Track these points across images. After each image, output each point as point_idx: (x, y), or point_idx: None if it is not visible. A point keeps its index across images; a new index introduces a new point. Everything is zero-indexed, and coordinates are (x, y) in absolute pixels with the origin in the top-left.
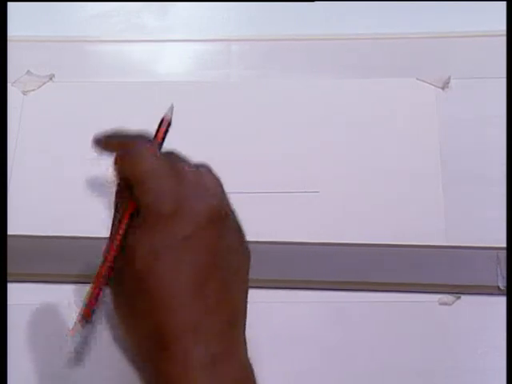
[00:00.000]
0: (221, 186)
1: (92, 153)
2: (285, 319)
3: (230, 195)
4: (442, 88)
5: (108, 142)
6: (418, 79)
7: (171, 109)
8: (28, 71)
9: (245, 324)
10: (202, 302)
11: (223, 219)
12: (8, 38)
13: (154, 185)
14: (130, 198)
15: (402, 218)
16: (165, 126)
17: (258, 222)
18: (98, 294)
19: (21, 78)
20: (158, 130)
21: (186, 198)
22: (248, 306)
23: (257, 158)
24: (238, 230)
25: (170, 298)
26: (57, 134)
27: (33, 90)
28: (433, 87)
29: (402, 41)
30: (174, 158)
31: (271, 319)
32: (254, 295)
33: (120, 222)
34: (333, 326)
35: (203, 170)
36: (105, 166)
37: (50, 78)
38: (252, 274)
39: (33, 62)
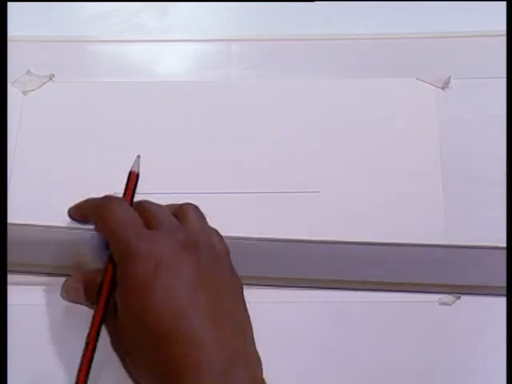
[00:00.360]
0: (199, 219)
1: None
2: (284, 319)
3: (230, 195)
4: (442, 88)
5: (82, 208)
6: (418, 79)
7: (137, 161)
8: (28, 71)
9: (250, 335)
10: (200, 319)
11: (198, 247)
12: (8, 38)
13: (122, 232)
14: (107, 261)
15: (402, 217)
16: (133, 181)
17: (258, 222)
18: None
19: (21, 78)
20: (126, 186)
21: (154, 237)
22: (247, 305)
23: (257, 157)
24: (221, 259)
25: (169, 321)
26: (57, 134)
27: (33, 90)
28: (433, 87)
29: (402, 41)
30: (145, 204)
31: (270, 319)
32: (253, 295)
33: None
34: (333, 326)
35: (180, 210)
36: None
37: (50, 78)
38: (250, 272)
39: (33, 61)
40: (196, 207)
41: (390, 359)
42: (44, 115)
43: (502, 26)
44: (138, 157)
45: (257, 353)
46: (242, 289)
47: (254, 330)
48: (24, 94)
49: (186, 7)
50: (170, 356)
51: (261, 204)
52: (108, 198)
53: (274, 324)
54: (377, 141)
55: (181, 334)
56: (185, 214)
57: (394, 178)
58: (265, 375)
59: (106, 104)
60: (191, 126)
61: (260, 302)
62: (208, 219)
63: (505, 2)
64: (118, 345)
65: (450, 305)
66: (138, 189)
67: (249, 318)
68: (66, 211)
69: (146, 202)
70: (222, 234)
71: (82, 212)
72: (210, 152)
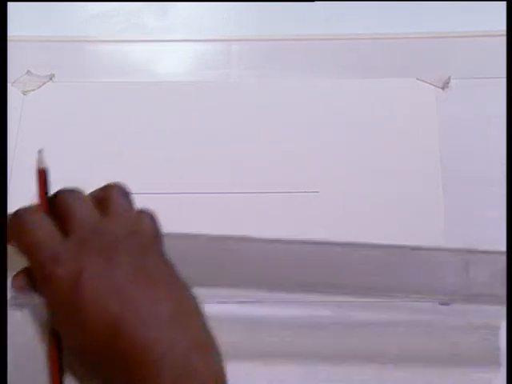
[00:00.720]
0: (121, 203)
1: None
2: (285, 321)
3: (230, 195)
4: (442, 88)
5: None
6: (418, 79)
7: (41, 155)
8: (28, 71)
9: (199, 319)
10: (137, 321)
11: (117, 247)
12: (8, 38)
13: (35, 256)
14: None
15: (402, 218)
16: (43, 179)
17: (258, 222)
18: None
19: (21, 78)
20: (38, 186)
21: (69, 252)
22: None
23: (257, 157)
24: (146, 248)
25: (106, 336)
26: (57, 134)
27: (33, 90)
28: (433, 87)
29: (402, 41)
30: (62, 201)
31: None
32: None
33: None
34: (333, 326)
35: (105, 194)
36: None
37: (50, 78)
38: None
39: (33, 61)
40: (119, 188)
41: (389, 359)
42: (44, 115)
43: (502, 26)
44: (40, 151)
45: (211, 338)
46: (175, 272)
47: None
48: (24, 94)
49: (186, 7)
50: (116, 374)
51: (261, 204)
52: (16, 217)
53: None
54: (377, 141)
55: (121, 345)
56: (107, 201)
57: (394, 178)
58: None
59: (105, 104)
60: (191, 126)
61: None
62: (208, 219)
63: (505, 2)
64: (73, 368)
65: (450, 305)
66: (138, 189)
67: (195, 301)
68: None
69: (63, 195)
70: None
71: (9, 240)
72: (210, 152)
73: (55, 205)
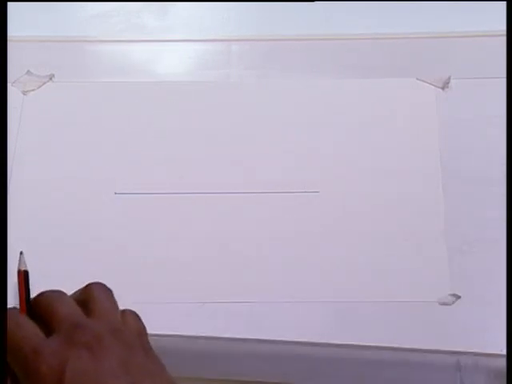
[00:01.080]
0: (104, 301)
1: None
2: None
3: (229, 195)
4: (442, 88)
5: None
6: (418, 79)
7: (22, 258)
8: (28, 71)
9: None
10: None
11: (102, 342)
12: (8, 38)
13: (17, 351)
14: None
15: (402, 217)
16: (22, 281)
17: (257, 222)
18: None
19: (21, 78)
20: (19, 287)
21: (52, 347)
22: None
23: (257, 157)
24: (130, 344)
25: None
26: (57, 133)
27: (33, 90)
28: (433, 87)
29: (402, 41)
30: (44, 300)
31: None
32: None
33: None
34: (334, 326)
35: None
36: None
37: (50, 78)
38: None
39: (33, 62)
40: (101, 288)
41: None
42: (44, 115)
43: (502, 26)
44: (21, 253)
45: None
46: (161, 367)
47: None
48: (24, 94)
49: (186, 7)
50: None
51: (261, 204)
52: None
53: None
54: (377, 141)
55: None
56: (90, 301)
57: (394, 178)
58: None
59: (105, 104)
60: (191, 126)
61: None
62: (208, 219)
63: (505, 2)
64: None
65: (449, 305)
66: (138, 189)
67: None
68: (66, 211)
69: (46, 295)
70: (223, 237)
71: None
72: (210, 152)
73: (38, 306)
